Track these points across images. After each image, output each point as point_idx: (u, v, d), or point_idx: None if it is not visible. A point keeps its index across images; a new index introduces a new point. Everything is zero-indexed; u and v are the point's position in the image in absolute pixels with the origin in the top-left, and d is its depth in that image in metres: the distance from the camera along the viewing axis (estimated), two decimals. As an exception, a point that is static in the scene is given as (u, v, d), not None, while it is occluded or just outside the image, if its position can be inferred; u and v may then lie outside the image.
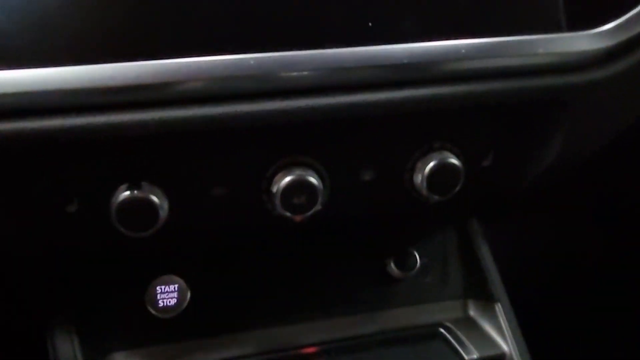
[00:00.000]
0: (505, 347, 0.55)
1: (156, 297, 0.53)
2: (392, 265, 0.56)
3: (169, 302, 0.53)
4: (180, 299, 0.52)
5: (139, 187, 0.41)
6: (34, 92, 0.35)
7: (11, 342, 0.62)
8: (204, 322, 0.53)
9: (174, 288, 0.53)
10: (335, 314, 0.57)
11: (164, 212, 0.41)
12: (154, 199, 0.41)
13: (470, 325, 0.58)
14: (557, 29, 0.42)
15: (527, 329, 0.58)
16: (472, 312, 0.59)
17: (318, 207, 0.44)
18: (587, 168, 0.59)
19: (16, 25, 0.35)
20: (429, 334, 0.57)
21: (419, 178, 0.45)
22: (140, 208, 0.40)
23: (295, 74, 0.39)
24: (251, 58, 0.37)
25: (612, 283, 0.81)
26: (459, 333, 0.56)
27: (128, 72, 0.35)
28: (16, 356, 0.60)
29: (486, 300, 0.58)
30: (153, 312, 0.51)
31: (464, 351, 0.55)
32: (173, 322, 0.52)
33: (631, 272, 0.79)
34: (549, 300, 0.76)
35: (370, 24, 0.39)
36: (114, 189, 0.40)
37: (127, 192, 0.40)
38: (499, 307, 0.57)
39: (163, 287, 0.53)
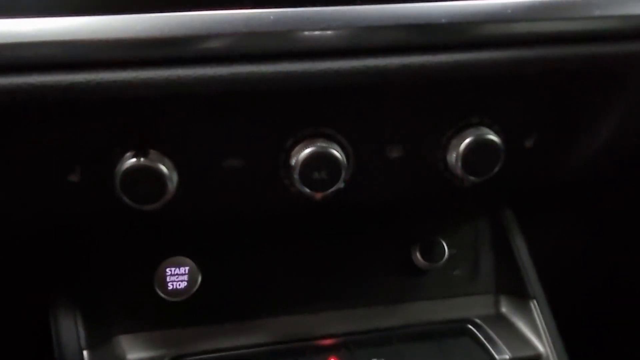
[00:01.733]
0: (541, 348, 0.52)
1: (165, 279, 0.52)
2: (418, 254, 0.54)
3: (179, 285, 0.52)
4: (190, 282, 0.51)
5: (146, 155, 0.39)
6: (42, 42, 0.33)
7: (13, 323, 0.61)
8: (215, 307, 0.52)
9: (185, 270, 0.52)
10: (355, 305, 0.55)
11: (172, 183, 0.40)
12: (163, 168, 0.40)
13: (502, 323, 0.55)
14: None
15: (565, 329, 0.55)
16: (504, 309, 0.57)
17: (340, 184, 0.42)
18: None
19: None
20: (456, 330, 0.55)
21: (453, 156, 0.43)
22: (147, 178, 0.39)
23: (318, 32, 0.36)
24: (271, 13, 0.34)
25: None
26: (489, 330, 0.54)
27: (135, 24, 0.33)
28: (19, 338, 0.60)
29: (520, 296, 0.56)
30: (162, 294, 0.50)
31: (494, 350, 0.52)
32: (182, 306, 0.51)
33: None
34: (589, 300, 0.73)
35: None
36: (119, 157, 0.38)
37: (133, 160, 0.38)
38: (534, 305, 0.55)
39: (173, 268, 0.52)
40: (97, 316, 0.50)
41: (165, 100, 0.36)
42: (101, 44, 0.33)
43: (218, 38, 0.35)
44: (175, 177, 0.40)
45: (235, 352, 0.52)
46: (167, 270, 0.52)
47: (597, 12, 0.39)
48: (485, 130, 0.43)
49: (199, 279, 0.51)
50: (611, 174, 0.52)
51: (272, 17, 0.35)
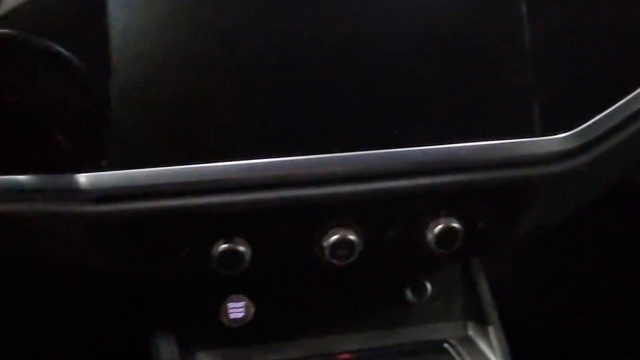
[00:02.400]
0: None
1: (228, 311, 0.60)
2: (409, 292, 0.63)
3: (237, 315, 0.60)
4: (246, 313, 0.60)
5: (231, 241, 0.50)
6: (180, 182, 0.45)
7: (116, 348, 0.71)
8: (264, 331, 0.61)
9: (242, 305, 0.61)
10: (363, 329, 0.63)
11: (248, 257, 0.50)
12: (242, 248, 0.50)
13: (469, 343, 0.64)
14: (532, 133, 0.50)
15: (516, 348, 0.63)
16: (470, 332, 0.65)
17: (355, 256, 0.52)
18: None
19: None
20: (436, 348, 0.63)
21: (429, 236, 0.53)
22: (232, 255, 0.50)
23: (348, 168, 0.48)
24: (314, 158, 0.47)
25: (595, 309, 0.89)
26: (459, 348, 0.62)
27: (232, 169, 0.47)
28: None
29: (482, 322, 0.64)
30: (226, 322, 0.59)
31: None
32: (240, 330, 0.60)
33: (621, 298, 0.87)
34: (537, 325, 0.83)
35: (396, 132, 0.49)
36: (215, 242, 0.50)
37: (225, 245, 0.50)
38: (491, 329, 0.63)
39: (233, 303, 0.60)
40: (183, 339, 0.59)
41: (247, 212, 0.49)
42: (214, 183, 0.46)
43: (284, 175, 0.47)
44: (249, 253, 0.51)
45: None
46: (229, 304, 0.60)
47: (518, 150, 0.49)
48: (450, 219, 0.52)
49: (252, 310, 0.60)
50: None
51: (314, 161, 0.47)
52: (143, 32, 0.46)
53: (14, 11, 0.44)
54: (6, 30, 0.44)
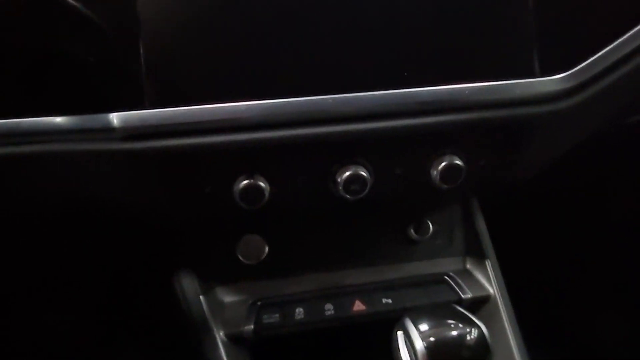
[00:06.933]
0: (491, 290, 0.65)
1: (244, 250, 0.64)
2: (412, 230, 0.67)
3: (253, 253, 0.64)
4: (260, 251, 0.64)
5: (252, 178, 0.53)
6: (211, 120, 0.48)
7: (147, 284, 0.74)
8: (277, 267, 0.64)
9: (257, 243, 0.64)
10: (371, 264, 0.66)
11: (267, 193, 0.54)
12: (262, 184, 0.53)
13: (467, 275, 0.67)
14: (532, 74, 0.53)
15: (509, 279, 0.66)
16: (469, 265, 0.68)
17: (366, 191, 0.55)
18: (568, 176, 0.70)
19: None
20: (438, 279, 0.66)
21: (434, 173, 0.56)
22: (253, 190, 0.53)
23: (360, 106, 0.50)
24: (330, 98, 0.51)
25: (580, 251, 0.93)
26: (459, 280, 0.66)
27: (253, 108, 0.50)
28: (150, 295, 0.73)
29: (480, 257, 0.67)
30: (242, 259, 0.63)
31: (461, 292, 0.64)
32: (255, 267, 0.63)
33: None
34: (529, 259, 0.88)
35: (405, 74, 0.51)
36: (237, 178, 0.54)
37: (246, 181, 0.53)
38: (488, 262, 0.66)
39: (249, 243, 0.64)
40: (204, 275, 0.63)
41: (268, 148, 0.51)
42: (243, 120, 0.49)
43: (302, 113, 0.50)
44: (268, 189, 0.54)
45: (292, 296, 0.64)
46: (245, 243, 0.64)
47: (519, 90, 0.52)
48: (453, 157, 0.55)
49: (266, 249, 0.64)
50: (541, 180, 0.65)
51: (330, 101, 0.50)
52: None
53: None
54: None
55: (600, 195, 0.89)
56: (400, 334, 0.48)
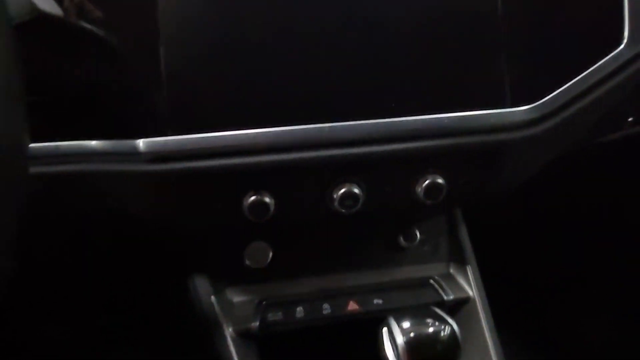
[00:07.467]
0: (470, 293, 0.69)
1: (251, 255, 0.67)
2: (402, 238, 0.70)
3: (259, 258, 0.68)
4: (265, 257, 0.68)
5: (259, 194, 0.57)
6: (225, 145, 0.54)
7: (156, 286, 0.81)
8: (281, 271, 0.68)
9: (262, 249, 0.68)
10: (365, 269, 0.70)
11: (272, 207, 0.58)
12: (267, 200, 0.57)
13: (450, 279, 0.71)
14: (504, 105, 0.58)
15: (488, 283, 0.71)
16: (452, 270, 0.72)
17: (359, 206, 0.59)
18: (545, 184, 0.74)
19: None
20: (424, 283, 0.71)
21: (418, 190, 0.60)
22: (260, 205, 0.57)
23: (353, 133, 0.55)
24: (327, 126, 0.55)
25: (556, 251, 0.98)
26: (442, 283, 0.70)
27: (261, 136, 0.56)
28: (163, 295, 0.79)
29: (461, 263, 0.71)
30: (249, 264, 0.67)
31: (444, 294, 0.69)
32: (261, 271, 0.67)
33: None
34: (507, 265, 0.94)
35: (393, 105, 0.58)
36: (246, 195, 0.58)
37: (254, 197, 0.57)
38: (469, 268, 0.71)
39: (255, 249, 0.68)
40: (215, 278, 0.67)
41: (273, 170, 0.57)
42: (252, 146, 0.54)
43: (302, 139, 0.55)
44: (274, 204, 0.58)
45: (293, 297, 0.68)
46: (252, 248, 0.68)
47: (491, 120, 0.57)
48: (435, 176, 0.60)
49: (270, 254, 0.68)
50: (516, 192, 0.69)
51: (327, 129, 0.55)
52: (188, 22, 0.56)
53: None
54: (74, 24, 0.54)
55: (578, 202, 0.95)
56: (385, 331, 0.55)
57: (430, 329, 0.52)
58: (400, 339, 0.52)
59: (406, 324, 0.51)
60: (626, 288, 0.88)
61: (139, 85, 0.56)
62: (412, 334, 0.50)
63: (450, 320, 0.52)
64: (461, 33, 0.59)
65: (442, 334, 0.50)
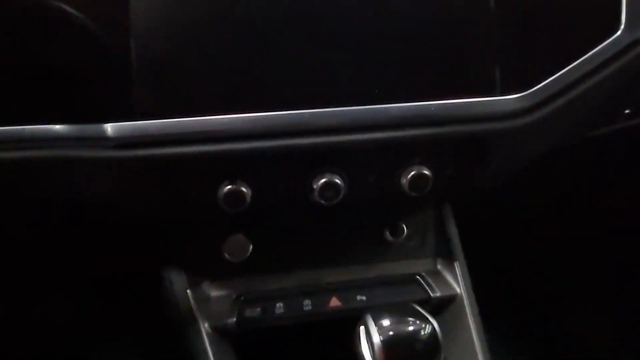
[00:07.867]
0: (458, 290, 0.68)
1: (229, 248, 0.66)
2: (388, 233, 0.69)
3: (238, 252, 0.66)
4: (244, 250, 0.66)
5: (235, 184, 0.56)
6: (197, 131, 0.51)
7: (131, 279, 0.78)
8: (261, 265, 0.67)
9: (242, 242, 0.66)
10: (349, 264, 0.69)
11: (249, 197, 0.57)
12: (244, 190, 0.56)
13: (437, 275, 0.70)
14: (493, 93, 0.57)
15: (476, 281, 0.70)
16: (439, 266, 0.71)
17: (340, 197, 0.58)
18: (533, 183, 0.72)
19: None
20: (410, 279, 0.69)
21: (404, 181, 0.59)
22: (236, 195, 0.56)
23: (334, 120, 0.54)
24: (307, 113, 0.54)
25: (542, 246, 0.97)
26: (429, 279, 0.69)
27: (235, 121, 0.53)
28: (138, 287, 0.76)
29: (449, 259, 0.70)
30: (227, 257, 0.66)
31: (431, 291, 0.68)
32: (240, 265, 0.66)
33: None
34: (495, 262, 0.93)
35: (376, 91, 0.55)
36: (220, 184, 0.57)
37: (229, 187, 0.56)
38: (457, 264, 0.69)
39: (234, 242, 0.66)
40: (192, 271, 0.66)
41: (250, 157, 0.55)
42: (223, 132, 0.52)
43: (282, 126, 0.53)
44: (250, 194, 0.57)
45: (273, 292, 0.66)
46: (231, 243, 0.66)
47: (480, 108, 0.55)
48: (421, 167, 0.59)
49: (250, 248, 0.66)
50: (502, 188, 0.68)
51: (306, 115, 0.53)
52: (160, 2, 0.53)
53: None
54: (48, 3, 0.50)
55: (568, 199, 0.93)
56: (362, 329, 0.52)
57: (410, 328, 0.49)
58: (376, 338, 0.49)
59: (384, 322, 0.49)
60: (615, 285, 0.87)
61: (108, 68, 0.54)
62: (390, 333, 0.48)
63: (430, 319, 0.49)
64: (450, 15, 0.57)
65: (421, 332, 0.48)
